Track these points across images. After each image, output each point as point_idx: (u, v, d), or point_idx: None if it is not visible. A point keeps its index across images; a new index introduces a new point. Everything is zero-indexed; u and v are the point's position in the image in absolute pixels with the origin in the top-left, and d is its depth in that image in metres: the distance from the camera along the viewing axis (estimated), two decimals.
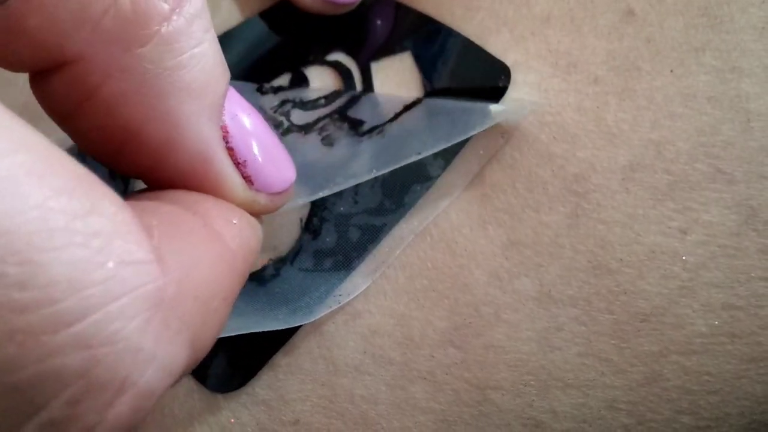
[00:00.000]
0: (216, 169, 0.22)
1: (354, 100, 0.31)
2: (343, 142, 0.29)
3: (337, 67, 0.32)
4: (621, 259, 0.29)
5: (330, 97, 0.31)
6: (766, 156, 0.30)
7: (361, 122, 0.30)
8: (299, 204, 0.27)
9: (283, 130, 0.30)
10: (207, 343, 0.19)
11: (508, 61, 0.31)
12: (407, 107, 0.30)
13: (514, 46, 0.31)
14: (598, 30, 0.31)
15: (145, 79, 0.20)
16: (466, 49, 0.31)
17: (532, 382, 0.30)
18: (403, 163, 0.28)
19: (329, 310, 0.29)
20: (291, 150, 0.29)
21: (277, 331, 0.29)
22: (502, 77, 0.31)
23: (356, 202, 0.30)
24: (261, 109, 0.30)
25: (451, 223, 0.30)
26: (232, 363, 0.30)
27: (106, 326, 0.16)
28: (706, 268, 0.30)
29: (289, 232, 0.30)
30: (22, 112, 0.30)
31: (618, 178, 0.30)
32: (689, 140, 0.30)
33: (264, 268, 0.30)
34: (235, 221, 0.22)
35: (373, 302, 0.30)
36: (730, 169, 0.30)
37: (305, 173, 0.28)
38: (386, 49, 0.32)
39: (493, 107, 0.29)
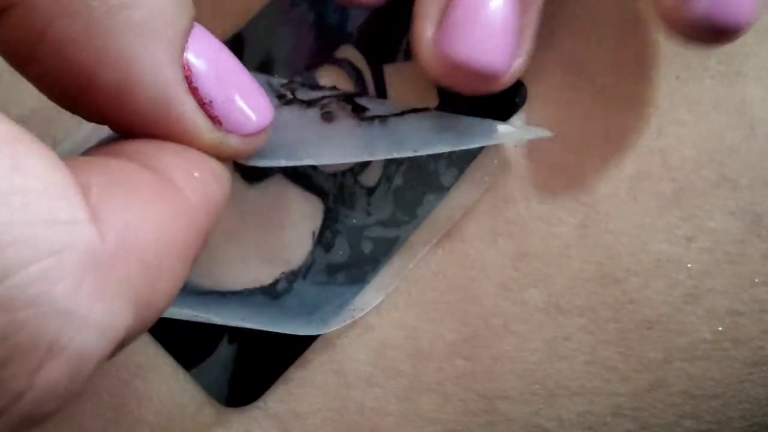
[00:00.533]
0: (177, 111, 0.21)
1: (363, 94, 0.30)
2: (343, 122, 0.28)
3: (348, 66, 0.31)
4: (628, 269, 0.29)
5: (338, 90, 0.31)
6: None
7: (365, 109, 0.29)
8: (282, 164, 0.26)
9: (286, 101, 0.29)
10: (158, 303, 0.19)
11: None
12: (416, 110, 0.29)
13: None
14: (604, 38, 0.31)
15: (92, 19, 0.19)
16: None
17: (539, 391, 0.30)
18: (396, 155, 0.27)
19: (344, 324, 0.29)
20: (289, 119, 0.28)
21: (290, 345, 0.29)
22: (520, 93, 0.30)
23: (369, 214, 0.30)
24: (268, 84, 0.30)
25: (463, 236, 0.30)
26: (245, 377, 0.29)
27: (27, 288, 0.15)
28: (711, 275, 0.30)
29: (301, 245, 0.30)
30: (30, 117, 0.29)
31: (626, 187, 0.30)
32: (694, 147, 0.30)
33: (276, 282, 0.30)
34: (197, 174, 0.21)
35: (384, 315, 0.29)
36: (734, 176, 0.30)
37: (297, 141, 0.27)
38: (402, 53, 0.32)
39: (501, 127, 0.28)
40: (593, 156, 0.30)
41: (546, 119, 0.31)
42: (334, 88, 0.30)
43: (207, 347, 0.30)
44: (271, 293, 0.29)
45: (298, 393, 0.30)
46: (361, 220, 0.30)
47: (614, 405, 0.30)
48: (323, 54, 0.32)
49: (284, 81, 0.30)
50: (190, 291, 0.29)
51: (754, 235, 0.30)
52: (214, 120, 0.22)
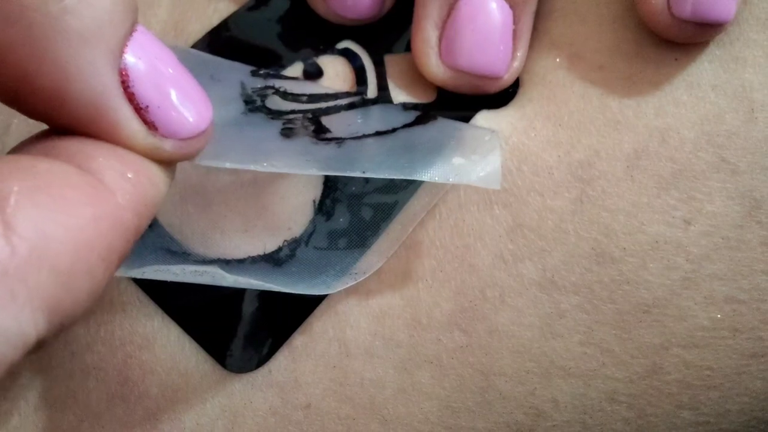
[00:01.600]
0: (111, 116, 0.21)
1: (335, 110, 0.30)
2: (300, 140, 0.28)
3: (348, 55, 0.31)
4: (624, 248, 0.29)
5: (318, 98, 0.31)
6: None
7: (327, 130, 0.29)
8: (226, 166, 0.26)
9: (252, 107, 0.29)
10: (76, 306, 0.19)
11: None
12: (380, 133, 0.29)
13: None
14: (602, 19, 0.31)
15: (32, 26, 0.19)
16: None
17: (535, 370, 0.29)
18: (340, 173, 0.27)
19: (347, 286, 0.29)
20: (248, 127, 0.29)
21: (294, 310, 0.29)
22: (514, 82, 0.31)
23: (367, 181, 0.30)
24: (241, 85, 0.30)
25: (459, 202, 0.30)
26: (250, 343, 0.29)
27: None
28: (710, 260, 0.30)
29: (302, 214, 0.30)
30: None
31: (623, 166, 0.30)
32: (693, 128, 0.30)
33: (279, 250, 0.29)
34: (130, 175, 0.21)
35: (384, 281, 0.29)
36: (734, 159, 0.30)
37: (248, 148, 0.27)
38: (402, 43, 0.32)
39: (456, 161, 0.28)
40: (590, 133, 0.30)
41: (542, 98, 0.31)
42: (310, 96, 0.31)
43: (213, 314, 0.30)
44: (274, 260, 0.29)
45: (300, 361, 0.29)
46: (360, 188, 0.30)
47: (610, 390, 0.30)
48: (324, 44, 0.32)
49: (260, 85, 0.30)
50: (195, 260, 0.29)
51: (754, 221, 0.30)
52: (150, 125, 0.22)
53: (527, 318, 0.29)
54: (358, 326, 0.29)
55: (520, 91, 0.31)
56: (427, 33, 0.30)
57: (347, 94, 0.31)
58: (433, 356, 0.29)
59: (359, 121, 0.30)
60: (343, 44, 0.32)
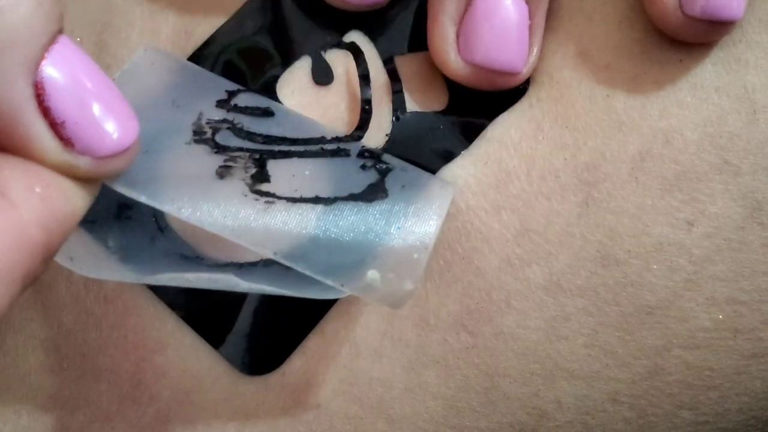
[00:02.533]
0: (22, 131, 0.20)
1: (286, 155, 0.29)
2: (232, 185, 0.27)
3: (355, 53, 0.31)
4: (629, 251, 0.29)
5: (275, 141, 0.29)
6: None
7: (266, 179, 0.28)
8: (141, 199, 0.25)
9: (200, 138, 0.28)
10: None
11: None
12: (318, 200, 0.28)
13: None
14: (609, 18, 0.31)
15: None
16: None
17: (539, 371, 0.29)
18: (250, 246, 0.26)
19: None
20: (185, 158, 0.27)
21: (308, 313, 0.29)
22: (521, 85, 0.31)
23: None
24: (199, 114, 0.29)
25: (468, 204, 0.30)
26: (265, 346, 0.29)
27: None
28: (712, 262, 0.30)
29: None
30: None
31: (627, 168, 0.30)
32: (696, 130, 0.30)
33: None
34: (38, 189, 0.20)
35: None
36: (736, 161, 0.30)
37: (176, 182, 0.26)
38: (415, 43, 0.32)
39: (371, 275, 0.27)
40: (596, 135, 0.30)
41: (550, 99, 0.31)
42: (267, 138, 0.29)
43: (228, 318, 0.30)
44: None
45: (313, 362, 0.29)
46: None
47: (612, 391, 0.30)
48: (330, 37, 0.31)
49: (217, 118, 0.29)
50: (208, 264, 0.29)
51: (755, 223, 0.30)
52: (66, 141, 0.21)
53: (533, 321, 0.29)
54: (368, 326, 0.29)
55: (529, 89, 0.31)
56: (444, 29, 0.30)
57: (313, 141, 0.30)
58: (440, 356, 0.29)
59: (306, 173, 0.29)
60: (350, 36, 0.31)
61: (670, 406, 0.30)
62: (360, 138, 0.30)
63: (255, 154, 0.28)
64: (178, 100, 0.29)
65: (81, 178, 0.22)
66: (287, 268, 0.27)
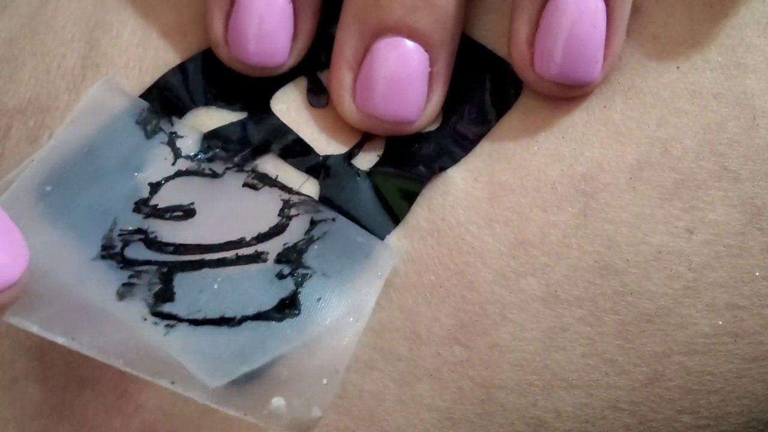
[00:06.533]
0: None
1: (196, 266, 0.27)
2: (133, 306, 0.26)
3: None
4: (627, 260, 0.29)
5: (187, 250, 0.28)
6: None
7: (170, 297, 0.27)
8: (33, 331, 0.24)
9: (107, 254, 0.27)
10: None
11: None
12: (224, 320, 0.27)
13: None
14: None
15: None
16: (493, 62, 0.31)
17: (537, 382, 0.29)
18: (147, 377, 0.26)
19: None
20: (90, 277, 0.26)
21: None
22: (516, 85, 0.31)
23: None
24: (112, 222, 0.27)
25: (459, 220, 0.29)
26: None
27: None
28: (711, 268, 0.30)
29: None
30: (26, 107, 0.29)
31: (626, 177, 0.29)
32: (695, 138, 0.30)
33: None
34: None
35: (383, 295, 0.29)
36: (735, 167, 0.30)
37: (75, 305, 0.26)
38: None
39: (276, 402, 0.26)
40: (593, 145, 0.30)
41: (545, 109, 0.31)
42: (182, 248, 0.28)
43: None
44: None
45: None
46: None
47: (612, 399, 0.30)
48: (325, 54, 0.31)
49: (131, 227, 0.27)
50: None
51: (755, 228, 0.29)
52: None
53: (529, 332, 0.29)
54: (358, 339, 0.29)
55: (523, 98, 0.31)
56: (341, 75, 0.30)
57: (230, 246, 0.28)
58: (433, 369, 0.29)
59: (215, 287, 0.27)
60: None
61: (670, 412, 0.30)
62: (357, 153, 0.30)
63: (163, 267, 0.27)
64: (97, 203, 0.28)
65: None
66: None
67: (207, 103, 0.30)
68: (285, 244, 0.28)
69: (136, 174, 0.28)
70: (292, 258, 0.28)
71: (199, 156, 0.29)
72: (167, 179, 0.28)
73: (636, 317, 0.29)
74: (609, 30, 0.29)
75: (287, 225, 0.28)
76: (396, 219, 0.30)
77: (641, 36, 0.31)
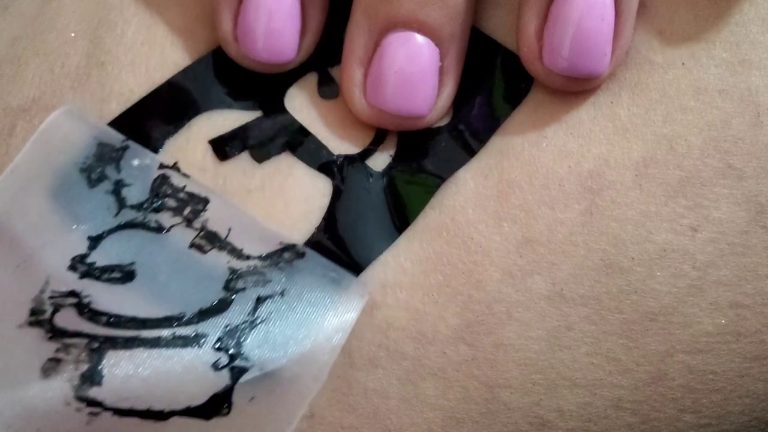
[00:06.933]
0: None
1: (130, 344, 0.25)
2: (58, 388, 0.24)
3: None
4: (633, 258, 0.29)
5: (121, 324, 0.26)
6: None
7: (97, 381, 0.25)
8: None
9: (35, 320, 0.25)
10: None
11: None
12: (150, 414, 0.25)
13: None
14: None
15: None
16: (504, 56, 0.31)
17: (541, 381, 0.29)
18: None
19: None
20: (13, 349, 0.25)
21: None
22: (525, 79, 0.30)
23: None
24: (45, 283, 0.26)
25: (468, 219, 0.29)
26: None
27: None
28: (715, 267, 0.29)
29: (308, 223, 0.30)
30: (30, 106, 0.29)
31: (631, 174, 0.29)
32: (700, 135, 0.30)
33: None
34: None
35: (390, 294, 0.29)
36: (740, 165, 0.29)
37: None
38: None
39: None
40: (600, 142, 0.30)
41: (554, 104, 0.30)
42: (118, 322, 0.26)
43: None
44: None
45: None
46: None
47: (615, 398, 0.30)
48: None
49: (64, 289, 0.26)
50: None
51: (759, 226, 0.29)
52: None
53: (534, 331, 0.29)
54: (363, 337, 0.29)
55: (531, 92, 0.31)
56: (351, 70, 0.30)
57: (168, 322, 0.26)
58: (438, 368, 0.29)
59: (146, 373, 0.25)
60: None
61: (672, 410, 0.30)
62: (372, 152, 0.30)
63: (93, 343, 0.25)
64: (30, 261, 0.26)
65: None
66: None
67: (220, 103, 0.30)
68: (227, 327, 0.26)
69: (74, 226, 0.26)
70: (230, 346, 0.26)
71: (145, 205, 0.27)
72: (109, 232, 0.27)
73: (640, 316, 0.29)
74: (617, 23, 0.29)
75: (231, 302, 0.26)
76: (406, 221, 0.29)
77: (647, 32, 0.31)
